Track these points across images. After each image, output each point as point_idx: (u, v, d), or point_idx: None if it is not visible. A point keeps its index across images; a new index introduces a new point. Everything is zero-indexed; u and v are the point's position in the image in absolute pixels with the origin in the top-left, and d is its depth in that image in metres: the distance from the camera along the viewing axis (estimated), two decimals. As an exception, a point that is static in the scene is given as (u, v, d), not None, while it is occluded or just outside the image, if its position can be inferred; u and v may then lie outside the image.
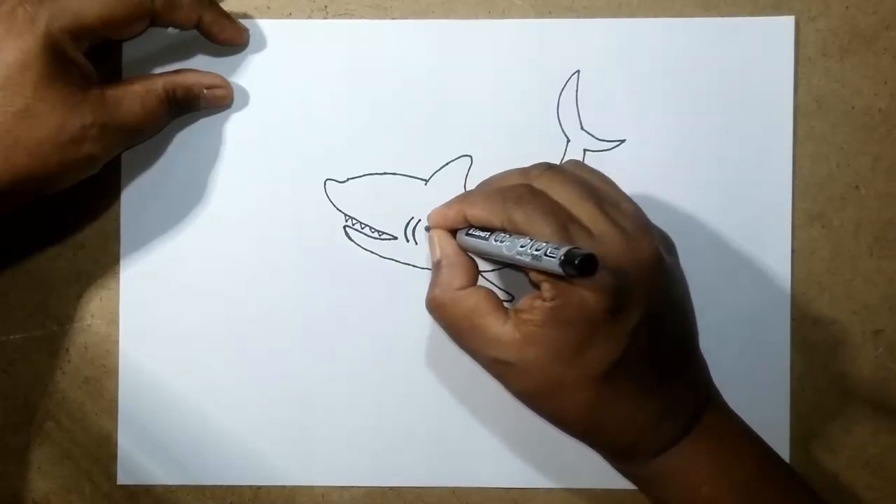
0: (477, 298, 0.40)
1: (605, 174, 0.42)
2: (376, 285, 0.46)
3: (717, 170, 0.45)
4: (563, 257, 0.34)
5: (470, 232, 0.41)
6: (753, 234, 0.45)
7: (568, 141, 0.46)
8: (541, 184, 0.40)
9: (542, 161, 0.42)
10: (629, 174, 0.45)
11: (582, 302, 0.37)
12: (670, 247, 0.41)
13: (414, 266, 0.46)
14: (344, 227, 0.46)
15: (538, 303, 0.38)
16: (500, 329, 0.39)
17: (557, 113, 0.46)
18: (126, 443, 0.46)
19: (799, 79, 0.46)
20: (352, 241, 0.46)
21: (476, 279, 0.41)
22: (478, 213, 0.40)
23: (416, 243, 0.46)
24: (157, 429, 0.46)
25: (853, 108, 0.46)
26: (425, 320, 0.45)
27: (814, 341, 0.46)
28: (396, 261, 0.46)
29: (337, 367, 0.46)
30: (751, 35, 0.45)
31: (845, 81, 0.46)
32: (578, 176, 0.40)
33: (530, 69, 0.46)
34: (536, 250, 0.36)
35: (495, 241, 0.39)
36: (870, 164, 0.46)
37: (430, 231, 0.43)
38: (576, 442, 0.42)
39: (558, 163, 0.44)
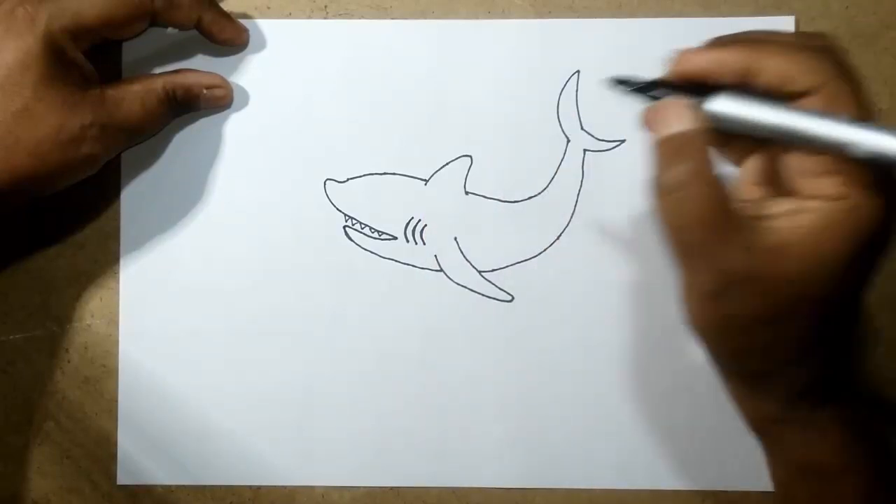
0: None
1: None
2: (376, 285, 0.46)
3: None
4: None
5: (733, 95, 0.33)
6: (753, 234, 0.45)
7: (568, 141, 0.46)
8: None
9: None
10: (629, 174, 0.45)
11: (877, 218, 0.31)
12: None
13: (414, 266, 0.46)
14: (344, 227, 0.46)
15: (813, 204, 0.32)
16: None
17: (557, 113, 0.46)
18: (126, 443, 0.46)
19: (799, 79, 0.46)
20: (352, 241, 0.46)
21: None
22: (779, 63, 0.31)
23: (416, 243, 0.46)
24: (156, 429, 0.46)
25: (853, 108, 0.46)
26: (425, 320, 0.45)
27: (814, 341, 0.46)
28: (396, 261, 0.46)
29: (337, 367, 0.46)
30: (751, 35, 0.45)
31: (845, 81, 0.46)
32: None
33: (530, 69, 0.46)
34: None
35: (828, 121, 0.31)
36: (870, 164, 0.46)
37: (664, 101, 0.34)
38: (576, 442, 0.42)
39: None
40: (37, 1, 0.39)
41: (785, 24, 0.45)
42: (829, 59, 0.32)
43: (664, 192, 0.33)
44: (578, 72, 0.46)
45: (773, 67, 0.32)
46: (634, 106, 0.46)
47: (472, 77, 0.46)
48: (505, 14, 0.46)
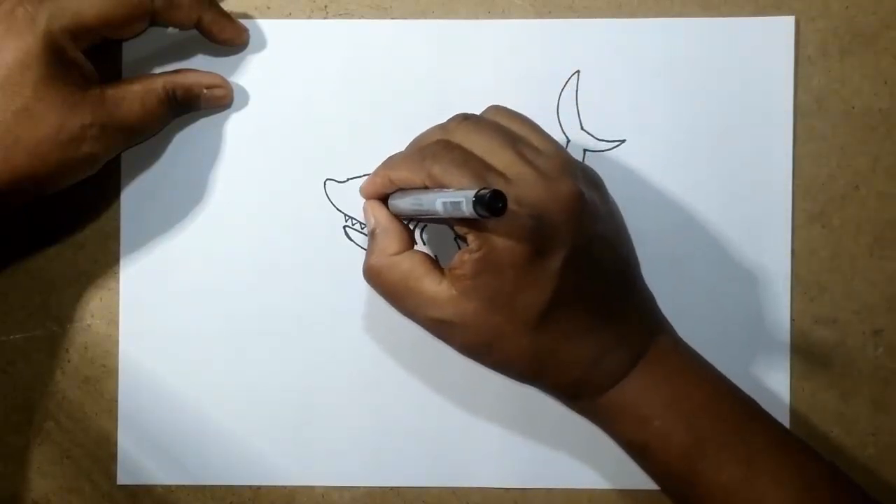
0: (412, 262, 0.40)
1: (527, 116, 0.41)
2: (376, 285, 0.46)
3: (717, 170, 0.45)
4: (473, 199, 0.34)
5: (395, 193, 0.42)
6: (753, 234, 0.45)
7: (568, 141, 0.46)
8: (458, 136, 0.40)
9: (461, 112, 0.42)
10: (629, 174, 0.45)
11: (505, 247, 0.37)
12: (596, 184, 0.41)
13: (414, 266, 0.46)
14: (344, 227, 0.46)
15: (466, 256, 0.38)
16: (437, 289, 0.39)
17: (557, 113, 0.46)
18: (126, 443, 0.46)
19: (799, 79, 0.46)
20: (352, 241, 0.46)
21: (411, 244, 0.42)
22: (400, 174, 0.40)
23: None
24: (157, 429, 0.46)
25: (853, 108, 0.46)
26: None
27: (814, 341, 0.46)
28: (396, 261, 0.46)
29: (337, 366, 0.46)
30: (751, 35, 0.45)
31: (845, 81, 0.46)
32: (496, 123, 0.41)
33: (530, 69, 0.46)
34: (454, 199, 0.36)
35: (415, 198, 0.39)
36: (870, 164, 0.46)
37: (364, 203, 0.43)
38: (576, 442, 0.42)
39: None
40: (37, 1, 0.39)
41: (785, 24, 0.45)
42: (428, 153, 0.39)
43: (370, 269, 0.41)
44: (578, 72, 0.46)
45: (402, 178, 0.40)
46: (634, 106, 0.46)
47: (472, 77, 0.46)
48: (505, 14, 0.46)
